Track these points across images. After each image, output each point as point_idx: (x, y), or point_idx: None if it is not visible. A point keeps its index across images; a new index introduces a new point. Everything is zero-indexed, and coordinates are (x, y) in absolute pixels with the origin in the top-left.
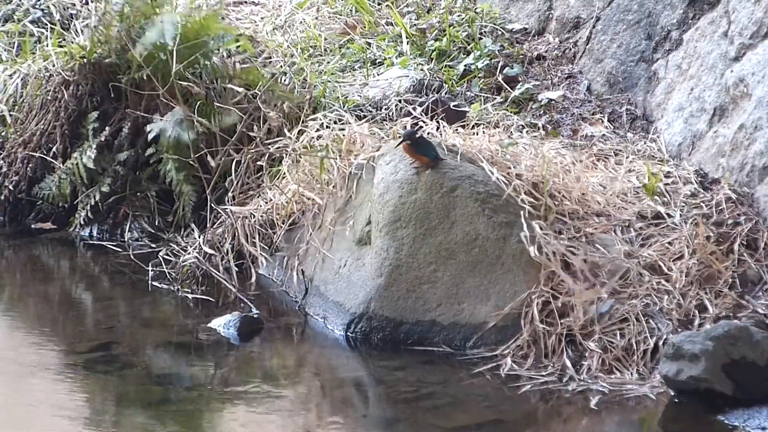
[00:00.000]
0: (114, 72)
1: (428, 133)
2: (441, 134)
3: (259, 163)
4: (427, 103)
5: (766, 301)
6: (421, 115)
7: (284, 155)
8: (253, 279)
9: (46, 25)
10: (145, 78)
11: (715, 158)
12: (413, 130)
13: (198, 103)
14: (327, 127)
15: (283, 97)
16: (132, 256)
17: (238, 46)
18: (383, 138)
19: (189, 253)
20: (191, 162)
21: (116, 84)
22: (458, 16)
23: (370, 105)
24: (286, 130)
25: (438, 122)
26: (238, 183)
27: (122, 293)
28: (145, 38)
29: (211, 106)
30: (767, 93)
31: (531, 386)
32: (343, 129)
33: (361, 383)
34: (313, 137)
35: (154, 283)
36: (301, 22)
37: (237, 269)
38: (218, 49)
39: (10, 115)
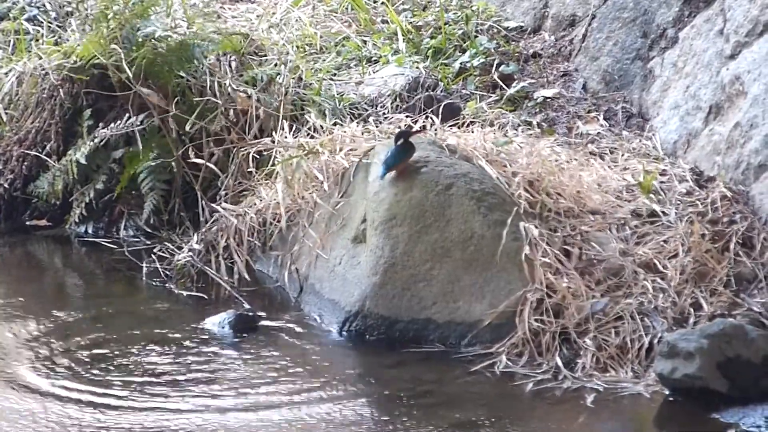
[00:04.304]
0: (106, 72)
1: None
2: (435, 132)
3: (250, 168)
4: (420, 101)
5: (761, 299)
6: (414, 112)
7: (277, 154)
8: (248, 277)
9: (42, 23)
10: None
11: (710, 156)
12: (408, 130)
13: (176, 101)
14: (319, 128)
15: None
16: (127, 254)
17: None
18: (378, 136)
19: (184, 251)
20: (156, 163)
21: (109, 83)
22: (454, 14)
23: (365, 103)
24: (274, 132)
25: (432, 119)
26: (230, 181)
27: (117, 290)
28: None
29: (195, 106)
30: (763, 91)
31: (526, 384)
32: (332, 132)
33: (357, 381)
34: (304, 138)
35: (149, 280)
36: (296, 20)
37: (232, 267)
38: (213, 53)
39: (6, 113)
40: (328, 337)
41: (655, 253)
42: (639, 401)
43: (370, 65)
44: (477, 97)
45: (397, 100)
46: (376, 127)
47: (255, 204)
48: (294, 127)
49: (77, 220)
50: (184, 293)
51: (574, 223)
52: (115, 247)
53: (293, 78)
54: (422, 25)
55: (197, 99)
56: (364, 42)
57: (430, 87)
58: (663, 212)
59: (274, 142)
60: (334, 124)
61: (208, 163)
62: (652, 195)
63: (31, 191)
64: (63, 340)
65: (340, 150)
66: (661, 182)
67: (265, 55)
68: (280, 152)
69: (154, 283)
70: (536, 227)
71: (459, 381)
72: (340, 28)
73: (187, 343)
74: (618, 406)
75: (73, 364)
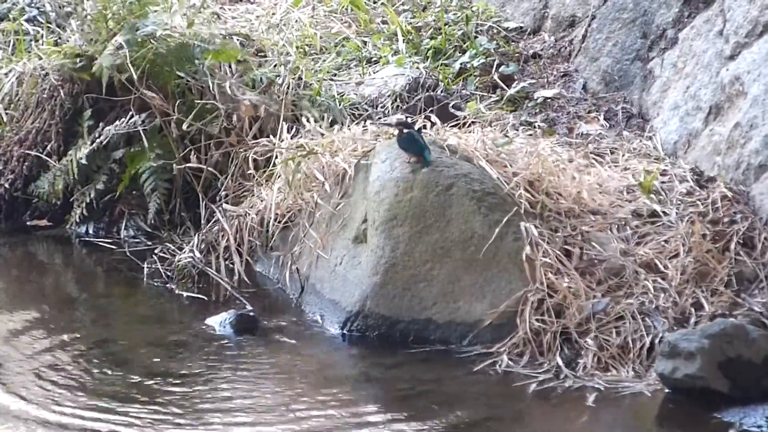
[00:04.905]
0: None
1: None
2: (435, 132)
3: (250, 170)
4: (421, 102)
5: (762, 299)
6: (414, 113)
7: (277, 155)
8: (249, 277)
9: (42, 23)
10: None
11: (710, 156)
12: (405, 120)
13: (177, 103)
14: (317, 131)
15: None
16: (128, 254)
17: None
18: (378, 136)
19: (185, 252)
20: (156, 164)
21: (110, 83)
22: (454, 14)
23: (365, 103)
24: (272, 135)
25: (431, 120)
26: (230, 182)
27: (118, 291)
28: (102, 58)
29: (193, 107)
30: (762, 91)
31: (527, 384)
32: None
33: (357, 381)
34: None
35: (149, 281)
36: (296, 20)
37: (232, 267)
38: (207, 58)
39: (6, 114)
40: (329, 338)
41: (655, 253)
42: (640, 401)
43: (370, 66)
44: (477, 98)
45: (398, 100)
46: (376, 127)
47: (255, 204)
48: (294, 128)
49: (78, 221)
50: (185, 294)
51: (575, 223)
52: (116, 247)
53: (293, 78)
54: (422, 26)
55: (198, 101)
56: (364, 42)
57: (430, 87)
58: (664, 212)
59: (273, 143)
60: (332, 125)
61: (207, 167)
62: (652, 195)
63: (31, 191)
64: (63, 340)
65: (339, 150)
66: (662, 182)
67: (266, 56)
68: (280, 153)
69: (154, 284)
70: (537, 227)
71: (460, 381)
72: (340, 28)
73: (188, 343)
74: (619, 405)
75: (73, 365)
